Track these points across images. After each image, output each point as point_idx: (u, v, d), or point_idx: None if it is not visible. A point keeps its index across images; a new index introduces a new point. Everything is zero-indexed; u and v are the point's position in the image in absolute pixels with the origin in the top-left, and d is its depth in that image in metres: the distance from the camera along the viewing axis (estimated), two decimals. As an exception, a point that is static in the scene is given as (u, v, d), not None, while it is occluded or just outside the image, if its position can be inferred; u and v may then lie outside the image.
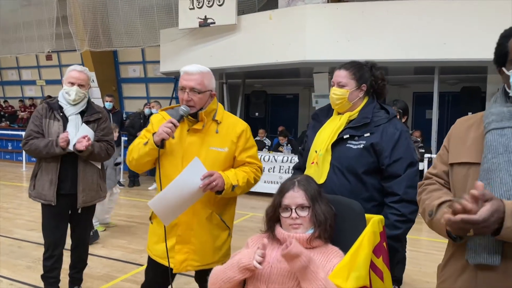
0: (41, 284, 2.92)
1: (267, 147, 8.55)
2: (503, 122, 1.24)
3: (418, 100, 10.16)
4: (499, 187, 1.17)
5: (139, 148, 2.01)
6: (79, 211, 2.85)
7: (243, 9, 8.44)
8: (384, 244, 1.64)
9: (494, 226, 1.09)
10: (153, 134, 1.96)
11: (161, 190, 1.94)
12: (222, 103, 9.81)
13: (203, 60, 8.50)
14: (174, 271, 2.04)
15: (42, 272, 2.88)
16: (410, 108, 9.84)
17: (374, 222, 1.60)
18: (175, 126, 1.92)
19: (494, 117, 1.27)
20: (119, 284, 3.40)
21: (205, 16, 8.15)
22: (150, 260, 2.16)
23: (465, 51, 6.24)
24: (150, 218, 2.14)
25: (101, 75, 11.18)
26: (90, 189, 2.87)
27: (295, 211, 1.57)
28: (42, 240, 2.90)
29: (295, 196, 1.59)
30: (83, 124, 2.82)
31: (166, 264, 2.01)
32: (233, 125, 2.10)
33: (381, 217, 1.65)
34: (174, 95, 10.38)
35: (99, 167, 2.96)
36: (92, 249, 4.03)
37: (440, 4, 6.48)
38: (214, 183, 1.89)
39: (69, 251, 3.00)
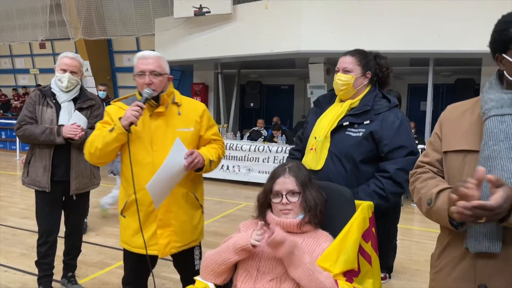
0: (36, 270, 2.94)
1: (263, 137, 8.56)
2: (503, 109, 1.22)
3: (412, 92, 10.19)
4: (501, 174, 1.16)
5: (104, 136, 1.97)
6: (74, 198, 2.86)
7: (238, -2, 8.40)
8: (373, 229, 1.67)
9: (505, 212, 1.08)
10: (119, 119, 1.94)
11: (132, 178, 1.94)
12: (217, 93, 9.80)
13: (198, 50, 8.47)
14: (160, 256, 2.06)
15: (36, 258, 2.90)
16: (405, 99, 9.94)
17: (363, 208, 1.62)
18: (142, 108, 1.93)
19: (493, 104, 1.25)
20: (113, 270, 3.43)
21: (200, 5, 8.10)
22: (128, 254, 2.15)
23: (460, 43, 6.26)
24: (122, 212, 2.11)
25: (95, 64, 11.09)
26: (83, 176, 2.88)
27: (286, 196, 1.59)
28: (36, 228, 2.91)
29: (286, 182, 1.61)
30: (76, 111, 2.82)
31: (154, 253, 2.04)
32: (193, 106, 2.16)
33: (370, 203, 1.68)
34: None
35: None
36: (86, 237, 4.06)
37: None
38: (196, 160, 1.94)
39: (63, 239, 3.01)
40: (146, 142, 2.01)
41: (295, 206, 1.59)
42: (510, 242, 1.16)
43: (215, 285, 1.55)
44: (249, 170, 7.59)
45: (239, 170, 7.66)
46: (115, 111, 2.09)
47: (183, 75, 10.55)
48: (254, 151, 7.55)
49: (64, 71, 2.76)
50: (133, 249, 2.08)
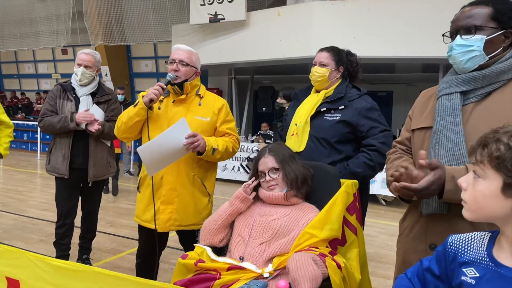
0: (53, 254, 3.15)
1: (272, 139, 8.81)
2: (451, 88, 1.41)
3: (425, 99, 10.20)
4: (445, 144, 1.34)
5: (129, 111, 2.23)
6: (90, 184, 3.08)
7: (252, 6, 8.64)
8: (357, 204, 1.82)
9: (436, 192, 1.26)
10: (143, 97, 2.17)
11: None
12: (231, 98, 10.02)
13: (212, 55, 8.72)
14: (158, 231, 2.22)
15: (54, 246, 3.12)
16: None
17: (348, 184, 1.79)
18: (162, 88, 2.14)
19: (444, 85, 1.45)
20: (125, 256, 3.63)
21: (215, 12, 8.36)
22: (140, 228, 2.35)
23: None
24: (138, 187, 2.33)
25: (114, 69, 11.47)
26: (100, 164, 3.09)
27: (268, 174, 1.80)
28: (54, 218, 3.14)
29: (266, 162, 1.83)
30: (94, 104, 3.04)
31: (153, 227, 2.22)
32: (214, 100, 2.36)
33: (355, 181, 1.84)
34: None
35: (109, 145, 3.19)
36: (101, 227, 4.28)
37: (446, 1, 6.58)
38: (196, 143, 2.10)
39: (79, 225, 3.23)
40: (164, 124, 2.21)
41: (278, 181, 1.79)
42: (456, 204, 1.29)
43: (212, 249, 1.72)
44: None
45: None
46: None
47: (198, 81, 10.80)
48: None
49: (79, 65, 3.00)
50: (143, 223, 2.28)
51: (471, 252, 1.01)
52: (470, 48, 1.35)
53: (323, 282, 1.48)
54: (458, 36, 1.39)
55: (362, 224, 1.86)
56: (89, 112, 2.99)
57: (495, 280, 0.94)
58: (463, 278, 1.00)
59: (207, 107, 2.29)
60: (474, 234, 1.04)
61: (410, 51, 6.81)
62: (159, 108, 2.23)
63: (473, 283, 0.98)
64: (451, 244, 1.06)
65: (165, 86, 2.16)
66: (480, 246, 1.01)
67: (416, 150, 1.50)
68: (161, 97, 2.26)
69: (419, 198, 1.31)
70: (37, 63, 13.90)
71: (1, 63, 14.83)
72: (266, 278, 1.55)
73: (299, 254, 1.51)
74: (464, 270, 1.01)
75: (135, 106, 2.20)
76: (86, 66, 3.00)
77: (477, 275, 0.98)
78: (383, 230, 4.86)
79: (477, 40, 1.35)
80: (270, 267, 1.57)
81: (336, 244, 1.70)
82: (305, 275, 1.40)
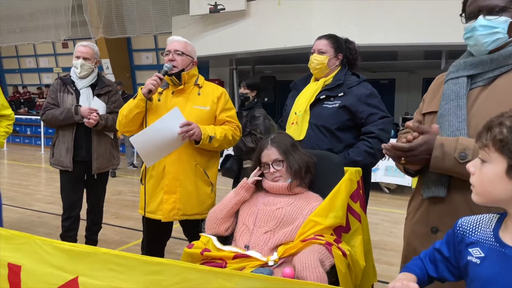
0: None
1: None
2: (458, 72, 1.39)
3: (428, 86, 10.12)
4: (447, 128, 1.34)
5: (129, 104, 2.25)
6: (95, 177, 3.10)
7: (252, -5, 8.58)
8: (361, 191, 1.83)
9: (424, 156, 1.27)
10: (141, 88, 2.19)
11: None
12: (232, 89, 10.01)
13: (213, 46, 8.69)
14: (162, 220, 2.25)
15: (60, 238, 3.15)
16: (420, 94, 9.93)
17: (351, 171, 1.79)
18: (160, 79, 2.15)
19: (452, 69, 1.43)
20: (130, 247, 3.67)
21: (215, 3, 8.31)
22: (144, 219, 2.34)
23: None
24: (141, 180, 2.34)
25: (115, 62, 11.45)
26: (103, 157, 3.11)
27: (272, 166, 1.80)
28: (60, 212, 3.16)
29: (270, 154, 1.82)
30: (95, 97, 3.05)
31: (158, 217, 2.24)
32: (213, 89, 2.36)
33: (358, 168, 1.85)
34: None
35: (112, 137, 3.20)
36: (106, 219, 4.30)
37: (447, -12, 6.52)
38: (191, 131, 2.11)
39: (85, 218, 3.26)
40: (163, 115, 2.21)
41: (282, 173, 1.80)
42: (455, 188, 1.32)
43: (218, 238, 1.74)
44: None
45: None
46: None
47: (199, 72, 10.79)
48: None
49: (78, 58, 3.00)
50: (147, 214, 2.28)
51: (478, 233, 1.03)
52: (495, 30, 1.32)
53: (329, 269, 1.49)
54: (480, 16, 1.35)
55: (365, 211, 1.86)
56: (92, 105, 3.00)
57: (499, 260, 0.96)
58: (469, 258, 1.02)
59: (206, 96, 2.30)
60: (483, 216, 1.06)
61: (412, 38, 6.75)
62: (159, 100, 2.25)
63: (478, 262, 0.99)
64: (460, 226, 1.08)
65: (162, 76, 2.17)
66: (487, 227, 1.03)
67: None
68: (160, 89, 2.27)
69: (409, 160, 1.31)
70: (38, 57, 13.88)
71: (2, 58, 14.82)
72: (272, 266, 1.56)
73: (306, 254, 1.49)
74: (470, 250, 1.02)
75: (134, 98, 2.21)
76: (84, 58, 3.00)
77: (482, 255, 0.99)
78: (386, 217, 4.87)
79: (502, 22, 1.32)
80: (275, 255, 1.58)
81: (340, 231, 1.72)
82: (310, 278, 1.40)
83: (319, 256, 1.48)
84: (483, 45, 1.35)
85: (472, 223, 1.06)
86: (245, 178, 1.85)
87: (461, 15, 1.45)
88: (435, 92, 1.54)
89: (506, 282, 0.93)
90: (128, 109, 2.24)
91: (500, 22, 1.32)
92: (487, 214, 1.06)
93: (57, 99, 3.04)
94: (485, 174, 0.96)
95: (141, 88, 2.20)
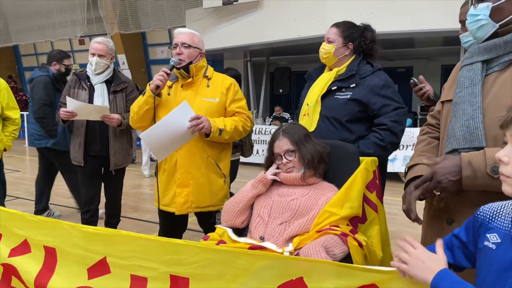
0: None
1: (288, 119, 8.83)
2: (473, 58, 1.35)
3: (446, 73, 9.92)
4: (461, 117, 1.30)
5: (138, 100, 2.27)
6: (113, 172, 3.14)
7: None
8: (377, 181, 1.80)
9: (452, 178, 1.23)
10: (149, 84, 2.19)
11: None
12: (247, 80, 9.98)
13: (227, 38, 8.67)
14: (176, 213, 2.26)
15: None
16: (439, 82, 9.73)
17: (367, 161, 1.76)
18: (167, 74, 2.15)
19: (467, 55, 1.39)
20: (149, 240, 3.71)
21: (228, -6, 8.28)
22: (160, 212, 2.39)
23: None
24: (156, 174, 2.36)
25: (131, 57, 11.54)
26: (120, 153, 3.14)
27: (285, 157, 1.78)
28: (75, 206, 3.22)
29: (281, 145, 1.80)
30: (69, 98, 2.88)
31: (172, 210, 2.25)
32: (222, 80, 2.33)
33: (374, 158, 1.81)
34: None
35: (128, 134, 3.22)
36: (125, 213, 4.38)
37: (466, -29, 6.33)
38: (200, 125, 2.10)
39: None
40: (173, 109, 2.21)
41: (295, 163, 1.78)
42: None
43: (233, 230, 1.74)
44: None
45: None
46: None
47: (214, 64, 10.73)
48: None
49: (93, 55, 3.02)
50: (162, 207, 2.31)
51: (498, 220, 1.01)
52: (477, 18, 1.32)
53: (344, 259, 1.48)
54: (472, 6, 1.35)
55: (382, 201, 1.83)
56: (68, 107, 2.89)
57: None
58: (485, 243, 1.00)
59: (215, 88, 2.29)
60: (506, 203, 1.03)
61: (429, 24, 6.60)
62: (168, 94, 2.25)
63: (494, 248, 0.97)
64: (480, 212, 1.05)
65: (169, 71, 2.17)
66: (508, 213, 1.00)
67: (443, 123, 1.47)
68: (170, 83, 2.27)
69: (441, 195, 1.29)
70: (56, 55, 14.08)
71: (21, 56, 15.10)
72: (287, 257, 1.55)
73: (311, 243, 1.50)
74: (488, 235, 1.00)
75: (143, 95, 2.22)
76: (100, 55, 3.02)
77: (499, 240, 0.97)
78: (405, 208, 4.80)
79: (483, 9, 1.30)
80: (290, 247, 1.57)
81: (356, 222, 1.69)
82: None
83: (325, 244, 1.47)
84: (472, 33, 1.36)
85: (493, 210, 1.03)
86: (262, 172, 1.83)
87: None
88: (454, 79, 1.49)
89: None
90: (138, 105, 2.25)
91: (481, 8, 1.31)
92: (510, 201, 1.02)
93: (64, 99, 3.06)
94: None
95: (149, 84, 2.20)
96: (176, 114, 2.09)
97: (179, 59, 2.21)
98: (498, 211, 1.02)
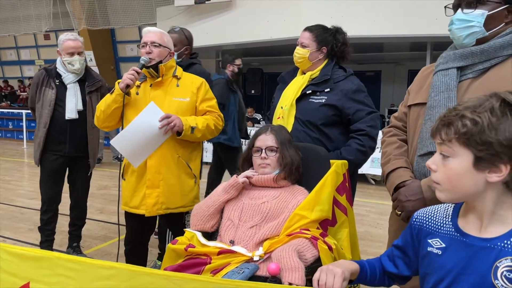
0: (40, 241, 3.13)
1: (260, 122, 8.81)
2: (448, 64, 1.38)
3: (413, 78, 10.19)
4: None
5: (106, 99, 2.19)
6: (89, 174, 3.11)
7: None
8: (347, 184, 1.82)
9: (415, 204, 1.32)
10: (119, 83, 2.13)
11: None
12: (219, 81, 9.92)
13: (199, 38, 8.53)
14: (146, 215, 2.20)
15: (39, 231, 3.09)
16: (405, 85, 10.01)
17: (337, 164, 1.77)
18: (137, 72, 2.10)
19: (441, 60, 1.41)
20: (115, 243, 3.59)
21: (201, -7, 8.19)
22: (128, 215, 2.32)
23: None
24: (123, 175, 2.29)
25: (99, 54, 11.23)
26: (95, 155, 3.10)
27: (265, 151, 1.75)
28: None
29: (266, 139, 1.79)
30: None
31: (142, 213, 2.19)
32: (192, 79, 2.30)
33: (344, 161, 1.83)
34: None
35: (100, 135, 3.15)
36: (91, 215, 4.23)
37: (433, -21, 6.52)
38: (172, 123, 2.06)
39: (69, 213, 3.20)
40: (142, 109, 2.15)
41: (272, 161, 1.76)
42: None
43: (202, 233, 1.70)
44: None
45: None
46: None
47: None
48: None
49: (72, 54, 2.86)
50: (130, 209, 2.25)
51: (435, 223, 1.04)
52: (470, 24, 1.32)
53: (314, 263, 1.48)
54: (459, 10, 1.35)
55: (352, 204, 1.85)
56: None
57: (461, 249, 0.96)
58: (429, 249, 1.02)
59: (185, 87, 2.25)
60: (439, 206, 1.07)
61: (398, 30, 6.76)
62: (137, 94, 2.18)
63: (440, 253, 1.00)
64: (416, 217, 1.09)
65: (139, 70, 2.12)
66: (444, 216, 1.04)
67: (411, 126, 1.49)
68: (138, 82, 2.21)
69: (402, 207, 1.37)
70: (19, 50, 13.54)
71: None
72: (257, 261, 1.53)
73: (283, 247, 1.49)
74: (429, 241, 1.03)
75: (111, 93, 2.15)
76: (79, 53, 2.89)
77: (443, 245, 1.00)
78: (372, 209, 4.90)
79: (478, 16, 1.31)
80: (260, 250, 1.55)
81: (326, 225, 1.70)
82: (285, 266, 1.39)
83: (297, 248, 1.46)
84: (459, 38, 1.35)
85: (428, 214, 1.07)
86: (235, 176, 1.79)
87: (445, 7, 1.43)
88: (421, 83, 1.52)
89: (470, 271, 0.93)
90: (105, 104, 2.17)
91: (475, 15, 1.31)
92: (442, 204, 1.06)
93: (34, 97, 2.94)
94: (452, 169, 0.94)
95: (118, 83, 2.14)
96: (145, 115, 2.04)
97: (149, 58, 2.15)
98: (433, 214, 1.06)
